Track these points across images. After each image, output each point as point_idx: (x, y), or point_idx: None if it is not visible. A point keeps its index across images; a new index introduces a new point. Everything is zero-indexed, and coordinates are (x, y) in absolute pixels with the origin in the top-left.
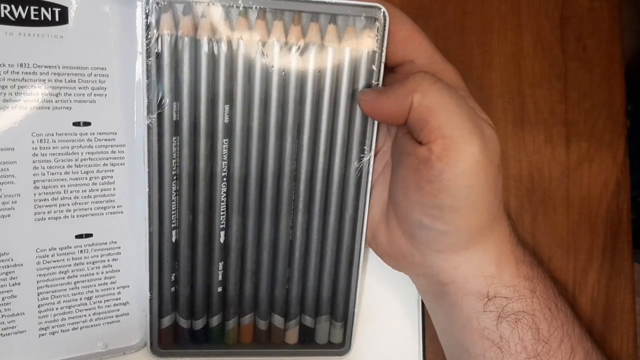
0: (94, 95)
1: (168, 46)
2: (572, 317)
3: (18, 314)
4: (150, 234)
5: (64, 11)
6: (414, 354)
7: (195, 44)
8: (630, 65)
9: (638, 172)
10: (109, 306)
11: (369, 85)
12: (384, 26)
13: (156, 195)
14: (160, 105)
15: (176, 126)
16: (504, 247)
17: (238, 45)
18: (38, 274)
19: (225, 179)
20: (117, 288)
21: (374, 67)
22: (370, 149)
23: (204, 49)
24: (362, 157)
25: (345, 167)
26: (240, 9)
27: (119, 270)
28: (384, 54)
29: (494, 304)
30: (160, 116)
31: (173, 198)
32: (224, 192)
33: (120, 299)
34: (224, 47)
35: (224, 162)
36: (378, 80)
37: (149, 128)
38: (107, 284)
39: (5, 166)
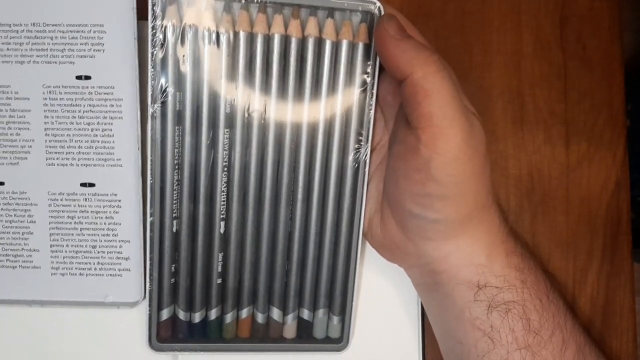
0: (94, 50)
1: (172, 37)
2: (565, 310)
3: (34, 250)
4: (152, 223)
5: None
6: (414, 352)
7: (199, 35)
8: (629, 64)
9: (638, 171)
10: (111, 258)
11: (364, 81)
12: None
13: (158, 184)
14: (163, 94)
15: (179, 116)
16: (494, 237)
17: (240, 37)
18: (50, 215)
19: (225, 169)
20: (119, 241)
21: (370, 61)
22: (367, 140)
23: (207, 40)
24: (359, 147)
25: (343, 157)
26: (242, 2)
27: (120, 224)
28: None
29: (484, 294)
30: (163, 105)
31: (174, 187)
32: (224, 182)
33: (122, 252)
34: (226, 40)
35: (225, 152)
36: (374, 72)
37: (153, 117)
38: (109, 235)
39: (22, 114)
